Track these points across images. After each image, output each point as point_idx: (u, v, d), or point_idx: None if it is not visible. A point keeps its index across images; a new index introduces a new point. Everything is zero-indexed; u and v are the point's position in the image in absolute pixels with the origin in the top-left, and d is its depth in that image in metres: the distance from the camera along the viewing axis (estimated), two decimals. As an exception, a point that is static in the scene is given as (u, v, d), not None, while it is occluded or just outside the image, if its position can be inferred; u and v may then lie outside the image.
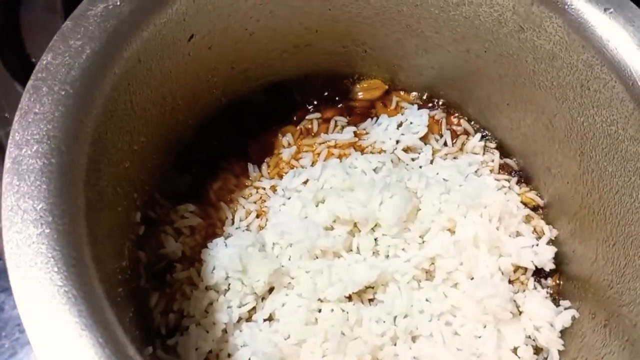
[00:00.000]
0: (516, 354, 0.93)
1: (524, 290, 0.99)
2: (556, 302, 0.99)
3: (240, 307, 0.92)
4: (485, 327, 0.92)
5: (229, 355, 0.90)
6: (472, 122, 1.16)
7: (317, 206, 0.98)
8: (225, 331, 0.91)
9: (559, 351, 0.93)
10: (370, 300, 0.95)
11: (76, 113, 0.71)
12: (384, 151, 1.09)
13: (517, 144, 1.11)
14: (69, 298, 0.58)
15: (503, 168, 1.12)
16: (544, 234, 1.03)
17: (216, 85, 1.06)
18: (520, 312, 0.96)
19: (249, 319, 0.93)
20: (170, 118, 0.98)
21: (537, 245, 1.01)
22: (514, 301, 0.96)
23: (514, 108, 1.06)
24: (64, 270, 0.60)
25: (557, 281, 1.02)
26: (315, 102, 1.15)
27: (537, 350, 0.95)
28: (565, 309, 0.97)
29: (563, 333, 0.95)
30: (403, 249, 0.96)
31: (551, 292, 1.01)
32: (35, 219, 0.62)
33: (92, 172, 0.72)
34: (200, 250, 0.97)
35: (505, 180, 1.09)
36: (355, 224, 0.97)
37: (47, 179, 0.65)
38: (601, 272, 0.91)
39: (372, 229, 0.96)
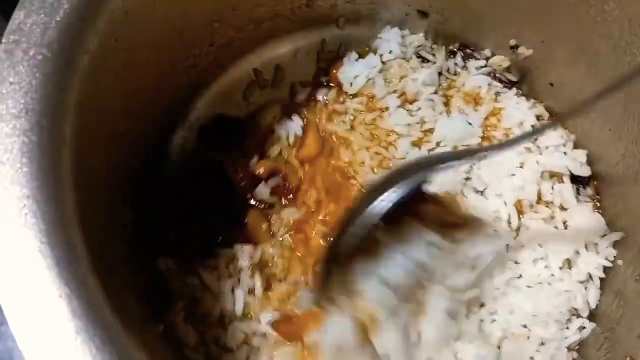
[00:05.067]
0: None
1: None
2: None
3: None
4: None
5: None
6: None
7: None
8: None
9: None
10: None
11: (57, 80, 0.62)
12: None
13: (552, 87, 1.00)
14: (60, 296, 0.53)
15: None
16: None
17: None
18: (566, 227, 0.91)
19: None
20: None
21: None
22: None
23: (549, 46, 0.96)
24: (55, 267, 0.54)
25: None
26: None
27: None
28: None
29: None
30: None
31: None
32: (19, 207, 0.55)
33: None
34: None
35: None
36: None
37: (28, 160, 0.58)
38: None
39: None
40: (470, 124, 0.97)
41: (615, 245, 0.89)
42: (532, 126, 0.97)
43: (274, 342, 0.82)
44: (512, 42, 1.01)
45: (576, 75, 0.93)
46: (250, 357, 0.82)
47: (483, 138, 0.97)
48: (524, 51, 1.00)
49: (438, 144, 0.96)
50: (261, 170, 0.95)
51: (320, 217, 0.92)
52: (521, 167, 0.93)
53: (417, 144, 0.97)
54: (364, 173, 0.95)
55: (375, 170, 0.95)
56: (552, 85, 0.99)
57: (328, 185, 0.95)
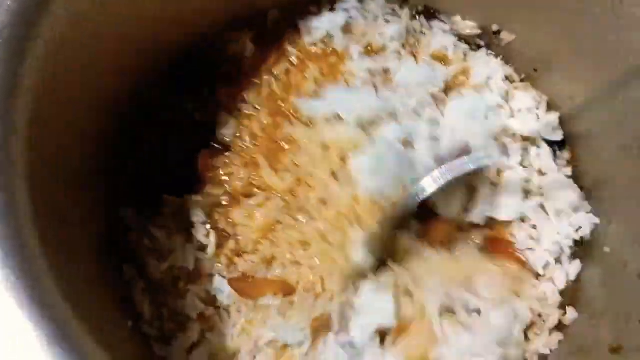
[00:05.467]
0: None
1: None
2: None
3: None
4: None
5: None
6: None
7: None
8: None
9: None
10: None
11: (8, 67, 0.59)
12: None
13: (536, 72, 0.98)
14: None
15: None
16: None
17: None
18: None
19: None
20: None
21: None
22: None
23: (531, 30, 0.94)
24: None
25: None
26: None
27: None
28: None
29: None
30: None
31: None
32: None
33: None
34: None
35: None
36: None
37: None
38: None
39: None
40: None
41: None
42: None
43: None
44: (495, 28, 0.99)
45: (560, 59, 0.92)
46: (205, 331, 0.80)
47: (447, 89, 0.94)
48: (505, 36, 0.98)
49: (398, 86, 0.92)
50: (224, 99, 0.92)
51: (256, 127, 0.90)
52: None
53: (375, 85, 0.92)
54: (302, 99, 0.90)
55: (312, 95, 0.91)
56: (536, 70, 0.97)
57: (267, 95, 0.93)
